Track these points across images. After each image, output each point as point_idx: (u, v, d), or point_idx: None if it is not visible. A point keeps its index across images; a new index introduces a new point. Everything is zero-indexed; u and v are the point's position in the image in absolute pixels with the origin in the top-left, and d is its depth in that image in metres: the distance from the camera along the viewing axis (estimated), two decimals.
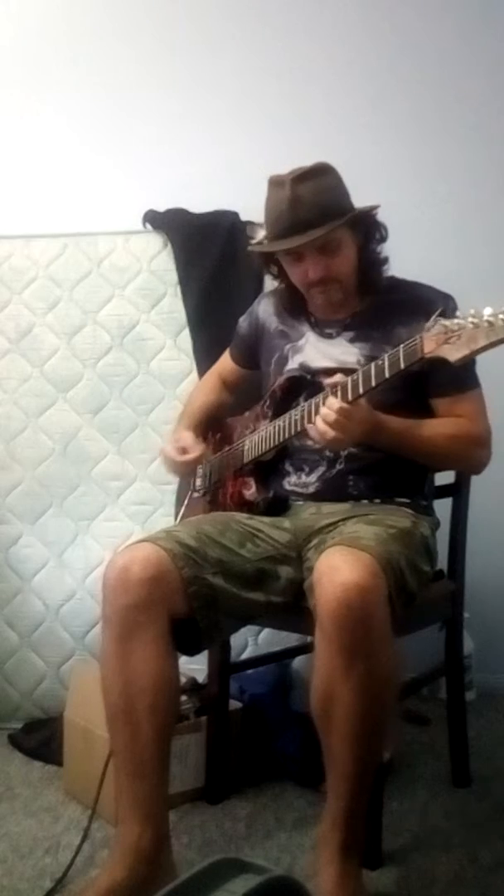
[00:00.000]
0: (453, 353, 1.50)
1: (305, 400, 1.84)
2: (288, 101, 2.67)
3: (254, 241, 1.92)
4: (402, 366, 1.57)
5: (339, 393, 1.65)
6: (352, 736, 1.47)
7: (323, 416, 1.64)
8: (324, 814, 1.55)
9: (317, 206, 1.74)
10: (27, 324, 2.47)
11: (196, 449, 1.96)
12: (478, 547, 2.08)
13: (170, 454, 1.99)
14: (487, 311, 1.45)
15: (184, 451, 1.97)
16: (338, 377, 1.68)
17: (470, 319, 1.47)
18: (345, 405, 1.62)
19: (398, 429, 1.74)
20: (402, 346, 1.59)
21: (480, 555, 2.14)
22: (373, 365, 1.63)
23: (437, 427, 1.78)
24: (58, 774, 2.09)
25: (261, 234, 1.87)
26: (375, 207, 1.82)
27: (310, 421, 1.71)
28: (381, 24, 2.68)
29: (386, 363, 1.60)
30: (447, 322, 1.50)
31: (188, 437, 1.98)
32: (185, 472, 2.06)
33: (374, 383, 1.61)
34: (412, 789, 2.03)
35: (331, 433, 1.63)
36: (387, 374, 1.60)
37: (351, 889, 1.48)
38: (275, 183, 1.80)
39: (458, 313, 1.50)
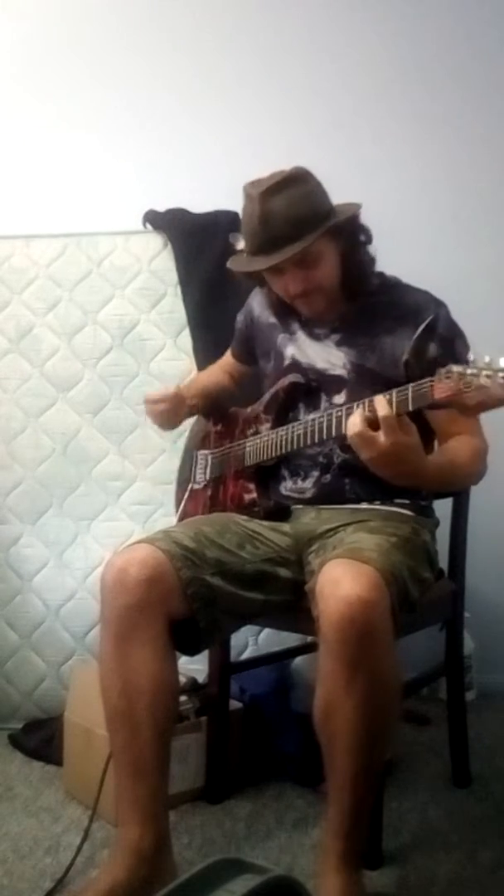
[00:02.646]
0: (464, 404, 1.41)
1: (304, 404, 1.84)
2: (289, 100, 2.67)
3: (237, 249, 1.87)
4: (410, 408, 1.50)
5: (366, 411, 1.56)
6: (354, 748, 1.46)
7: (364, 418, 1.53)
8: (325, 822, 1.55)
9: (289, 221, 1.68)
10: (27, 324, 2.47)
11: (171, 391, 1.99)
12: (478, 547, 2.08)
13: (154, 401, 2.01)
14: (503, 363, 1.36)
15: (162, 399, 1.99)
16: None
17: (485, 371, 1.37)
18: (391, 414, 1.50)
19: (437, 470, 1.65)
20: (411, 386, 1.50)
21: (480, 555, 2.14)
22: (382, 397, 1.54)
23: (460, 455, 1.71)
24: (58, 774, 2.10)
25: (242, 241, 1.84)
26: (356, 209, 1.76)
27: (335, 434, 1.66)
28: (383, 24, 2.68)
29: (394, 400, 1.51)
30: (460, 369, 1.40)
31: (171, 389, 2.00)
32: (162, 416, 2.04)
33: (398, 410, 1.53)
34: (412, 789, 2.03)
35: (369, 434, 1.52)
36: (393, 412, 1.51)
37: None
38: (246, 195, 1.74)
39: (470, 355, 1.40)
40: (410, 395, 1.49)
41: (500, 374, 1.36)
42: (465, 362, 1.40)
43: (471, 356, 1.41)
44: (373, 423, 1.52)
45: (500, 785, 2.05)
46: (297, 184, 1.72)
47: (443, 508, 1.97)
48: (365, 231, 1.81)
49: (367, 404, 1.55)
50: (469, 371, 1.38)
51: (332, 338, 1.85)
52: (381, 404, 1.51)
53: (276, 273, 1.78)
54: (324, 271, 1.77)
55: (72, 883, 1.65)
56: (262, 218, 1.70)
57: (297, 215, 1.69)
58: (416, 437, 1.53)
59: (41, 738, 2.25)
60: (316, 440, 1.73)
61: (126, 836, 1.53)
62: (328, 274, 1.78)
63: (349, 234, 1.78)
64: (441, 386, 1.43)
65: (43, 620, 2.43)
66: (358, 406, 1.57)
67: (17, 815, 1.94)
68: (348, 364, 1.80)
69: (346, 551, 1.55)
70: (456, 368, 1.40)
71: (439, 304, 1.78)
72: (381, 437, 1.50)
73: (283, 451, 1.82)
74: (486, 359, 1.38)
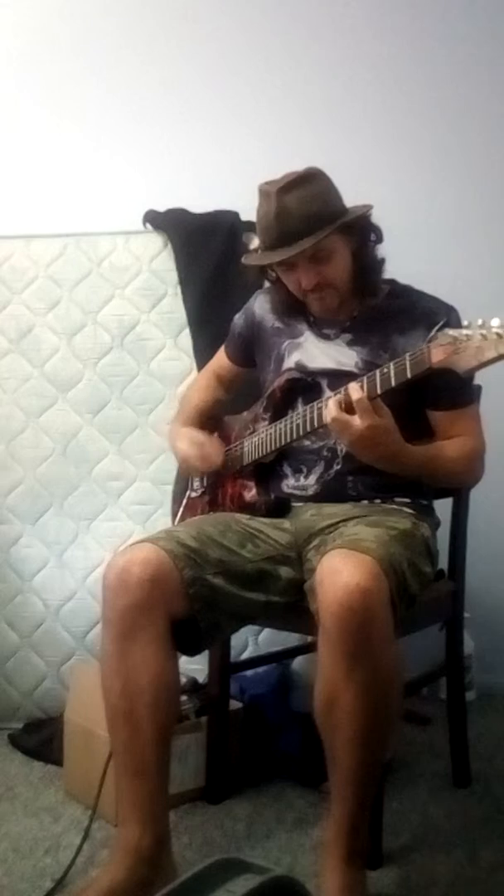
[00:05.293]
0: (461, 364, 1.48)
1: (304, 401, 1.84)
2: (289, 100, 2.67)
3: (251, 248, 1.91)
4: (409, 375, 1.56)
5: (342, 396, 1.63)
6: (355, 740, 1.47)
7: (338, 403, 1.61)
8: (328, 820, 1.55)
9: (303, 217, 1.73)
10: (27, 324, 2.47)
11: (218, 451, 1.95)
12: (478, 547, 2.08)
13: (192, 459, 1.97)
14: (496, 322, 1.42)
15: (206, 454, 1.95)
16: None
17: (479, 331, 1.44)
18: (364, 397, 1.58)
19: (419, 459, 1.71)
20: (408, 355, 1.56)
21: (480, 555, 2.14)
22: (378, 373, 1.61)
23: (447, 451, 1.76)
24: (58, 774, 2.10)
25: (256, 240, 1.87)
26: (367, 209, 1.80)
27: (317, 425, 1.71)
28: (382, 24, 2.68)
29: (392, 372, 1.58)
30: (455, 332, 1.48)
31: (205, 440, 1.97)
32: (206, 472, 2.03)
33: (379, 391, 1.60)
34: (412, 789, 2.03)
35: (344, 418, 1.60)
36: (393, 383, 1.59)
37: None
38: (262, 193, 1.79)
39: (464, 322, 1.47)
40: (408, 363, 1.56)
41: (494, 330, 1.42)
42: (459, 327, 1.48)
43: (465, 321, 1.48)
44: (349, 408, 1.60)
45: (500, 785, 2.05)
46: (311, 182, 1.77)
47: (443, 508, 1.97)
48: (376, 230, 1.84)
49: (343, 392, 1.63)
50: (464, 332, 1.47)
51: (342, 337, 1.86)
52: (354, 389, 1.61)
53: (289, 268, 1.82)
54: (336, 267, 1.80)
55: (72, 883, 1.65)
56: (278, 214, 1.74)
57: (310, 211, 1.73)
58: (390, 419, 1.61)
59: (41, 738, 2.25)
60: (309, 429, 1.76)
61: (126, 836, 1.53)
62: (340, 270, 1.81)
63: (361, 232, 1.82)
64: (437, 350, 1.51)
65: (43, 620, 2.43)
66: (335, 394, 1.64)
67: (17, 815, 1.94)
68: (360, 363, 1.81)
69: (346, 542, 1.56)
70: (451, 332, 1.49)
71: (450, 309, 1.81)
72: (356, 420, 1.59)
73: (281, 443, 1.83)
74: (479, 321, 1.46)
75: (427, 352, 1.52)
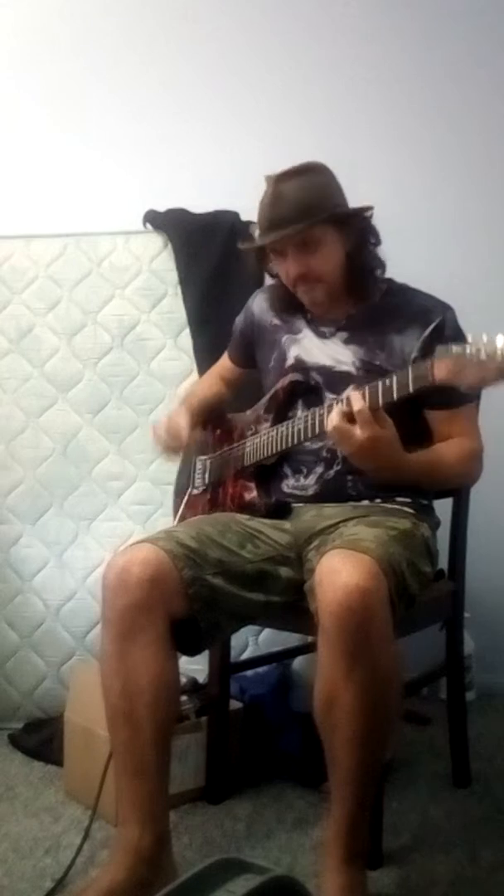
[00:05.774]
0: (464, 382, 1.46)
1: (304, 403, 1.85)
2: (289, 101, 2.67)
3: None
4: (411, 390, 1.54)
5: (344, 406, 1.62)
6: (354, 739, 1.47)
7: (341, 413, 1.60)
8: (328, 820, 1.55)
9: (295, 204, 1.74)
10: (27, 324, 2.47)
11: (185, 434, 1.95)
12: (478, 547, 2.08)
13: (160, 432, 2.00)
14: (501, 343, 1.40)
15: (176, 432, 1.97)
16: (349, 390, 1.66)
17: (484, 350, 1.42)
18: (365, 408, 1.58)
19: (417, 468, 1.71)
20: (411, 368, 1.56)
21: (481, 555, 2.14)
22: (380, 384, 1.59)
23: (446, 457, 1.76)
24: (58, 774, 2.10)
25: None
26: (366, 209, 1.80)
27: (318, 431, 1.71)
28: (382, 24, 2.68)
29: (394, 385, 1.57)
30: (459, 348, 1.46)
31: (184, 420, 1.97)
32: (172, 451, 2.05)
33: (381, 402, 1.59)
34: (412, 789, 2.03)
35: (345, 427, 1.59)
36: (395, 397, 1.57)
37: None
38: (266, 181, 1.81)
39: (470, 338, 1.45)
40: (411, 376, 1.55)
41: (500, 350, 1.40)
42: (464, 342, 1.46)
43: (469, 336, 1.46)
44: (351, 417, 1.59)
45: (500, 785, 2.05)
46: (311, 173, 1.78)
47: (443, 508, 1.97)
48: (374, 233, 1.84)
49: (345, 400, 1.62)
50: (468, 349, 1.44)
51: (339, 335, 1.86)
52: (356, 398, 1.59)
53: (279, 256, 1.83)
54: (324, 260, 1.80)
55: (72, 883, 1.65)
56: (273, 199, 1.77)
57: (302, 200, 1.75)
58: (391, 430, 1.60)
59: (41, 738, 2.25)
60: (310, 435, 1.76)
61: (126, 836, 1.53)
62: (330, 264, 1.80)
63: (358, 232, 1.81)
64: (440, 364, 1.49)
65: (43, 620, 2.43)
66: (337, 402, 1.63)
67: (17, 815, 1.94)
68: (357, 361, 1.82)
69: (345, 542, 1.56)
70: (455, 347, 1.46)
71: (446, 308, 1.81)
72: (356, 430, 1.58)
73: (282, 447, 1.83)
74: (484, 338, 1.43)
75: (430, 367, 1.51)
